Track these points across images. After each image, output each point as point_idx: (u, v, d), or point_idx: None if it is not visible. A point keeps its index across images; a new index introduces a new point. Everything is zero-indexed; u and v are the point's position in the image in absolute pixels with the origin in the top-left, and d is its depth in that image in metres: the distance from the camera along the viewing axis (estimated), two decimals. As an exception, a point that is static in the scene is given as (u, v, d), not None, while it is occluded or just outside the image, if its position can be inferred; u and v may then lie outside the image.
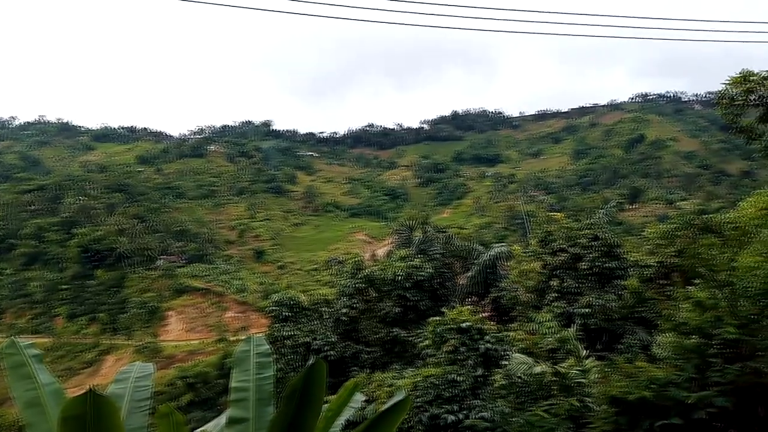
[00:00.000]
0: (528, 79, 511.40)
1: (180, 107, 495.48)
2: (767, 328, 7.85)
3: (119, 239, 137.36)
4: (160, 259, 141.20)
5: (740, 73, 15.53)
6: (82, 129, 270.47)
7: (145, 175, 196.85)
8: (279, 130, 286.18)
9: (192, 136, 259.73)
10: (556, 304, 22.14)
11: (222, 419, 4.08)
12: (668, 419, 7.09)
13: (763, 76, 14.48)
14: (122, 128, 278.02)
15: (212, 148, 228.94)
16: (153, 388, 4.13)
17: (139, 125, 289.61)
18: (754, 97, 14.69)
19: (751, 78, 14.77)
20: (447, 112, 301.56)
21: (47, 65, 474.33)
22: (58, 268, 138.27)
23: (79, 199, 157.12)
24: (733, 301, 8.53)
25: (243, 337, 4.53)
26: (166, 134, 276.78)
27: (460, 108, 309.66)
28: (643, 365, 9.56)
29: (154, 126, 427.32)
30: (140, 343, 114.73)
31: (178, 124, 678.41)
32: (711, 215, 24.20)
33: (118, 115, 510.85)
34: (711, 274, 9.33)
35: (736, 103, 15.51)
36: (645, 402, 7.50)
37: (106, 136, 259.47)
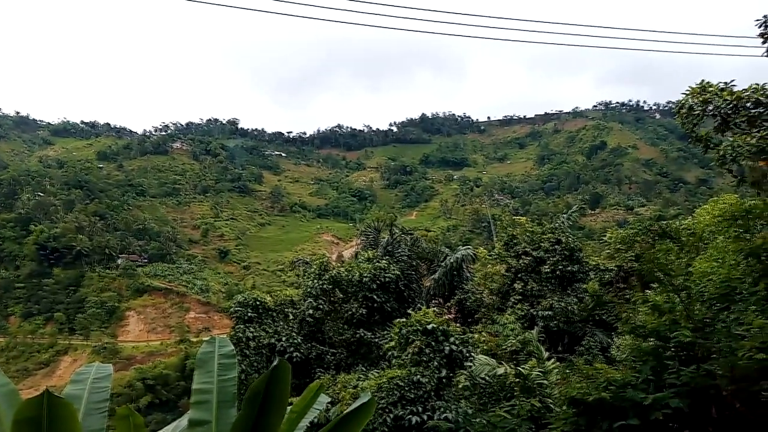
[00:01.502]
0: (495, 85, 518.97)
1: (144, 102, 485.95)
2: (721, 331, 8.12)
3: (78, 237, 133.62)
4: (120, 257, 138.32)
5: (699, 84, 16.06)
6: (41, 123, 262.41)
7: (106, 171, 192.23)
8: (246, 129, 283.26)
9: (155, 133, 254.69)
10: (519, 307, 22.48)
11: (183, 421, 4.01)
12: (626, 420, 7.27)
13: (720, 88, 14.99)
14: (83, 123, 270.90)
15: (176, 145, 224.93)
16: (111, 390, 4.04)
17: (101, 120, 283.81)
18: (711, 107, 15.19)
19: (709, 89, 15.27)
20: (416, 115, 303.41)
21: (3, 55, 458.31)
22: (14, 266, 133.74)
23: (37, 195, 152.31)
24: (688, 305, 8.80)
25: (206, 338, 4.47)
26: (128, 130, 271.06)
27: (429, 111, 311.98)
28: (602, 367, 9.78)
29: (117, 121, 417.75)
30: (98, 343, 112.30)
31: (141, 120, 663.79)
32: (668, 221, 24.95)
33: (79, 109, 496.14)
34: (668, 278, 9.61)
35: (694, 113, 16.01)
36: (603, 403, 7.67)
37: (65, 130, 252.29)
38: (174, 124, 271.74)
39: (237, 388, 3.89)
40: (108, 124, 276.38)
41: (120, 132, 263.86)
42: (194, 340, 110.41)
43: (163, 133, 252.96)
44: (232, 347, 4.17)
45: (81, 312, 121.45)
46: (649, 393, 7.47)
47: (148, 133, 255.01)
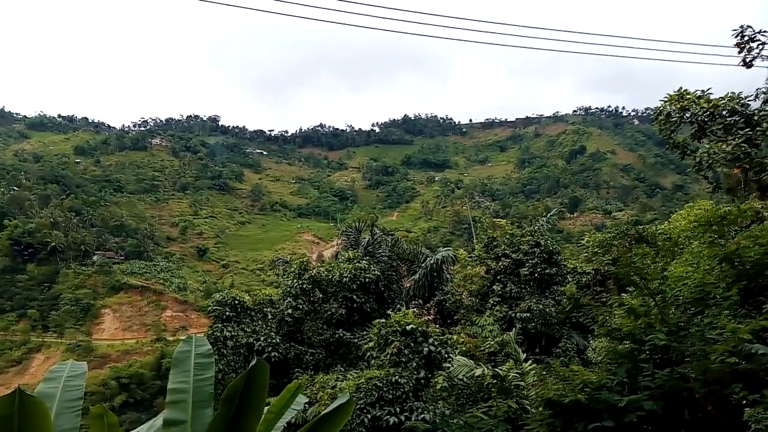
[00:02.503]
0: (478, 88, 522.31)
1: (123, 97, 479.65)
2: (694, 335, 8.25)
3: (53, 233, 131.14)
4: (96, 254, 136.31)
5: (677, 92, 16.32)
6: (17, 116, 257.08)
7: (83, 166, 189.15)
8: (227, 126, 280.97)
9: (134, 128, 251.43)
10: (497, 309, 22.65)
11: (158, 421, 3.96)
12: (601, 422, 7.35)
13: (698, 95, 15.25)
14: (60, 117, 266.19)
15: (156, 141, 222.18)
16: (85, 388, 3.97)
17: (79, 114, 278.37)
18: (688, 114, 15.45)
19: (687, 96, 15.53)
20: (398, 116, 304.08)
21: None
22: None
23: (12, 190, 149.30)
24: (663, 309, 8.93)
25: (182, 337, 4.42)
26: (106, 125, 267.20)
27: (412, 112, 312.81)
28: (578, 369, 9.89)
29: (95, 116, 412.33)
30: (72, 341, 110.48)
31: (120, 115, 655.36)
32: (645, 226, 25.41)
33: (57, 102, 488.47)
34: (644, 282, 9.74)
35: (671, 119, 16.27)
36: (579, 405, 7.75)
37: (42, 124, 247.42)
38: (153, 119, 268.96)
39: (214, 388, 3.85)
40: (86, 119, 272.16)
41: (98, 127, 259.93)
42: (171, 338, 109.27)
43: (143, 128, 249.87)
44: (210, 346, 4.13)
45: (55, 309, 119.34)
46: (623, 395, 7.57)
47: (126, 129, 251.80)
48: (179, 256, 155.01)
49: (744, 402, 6.76)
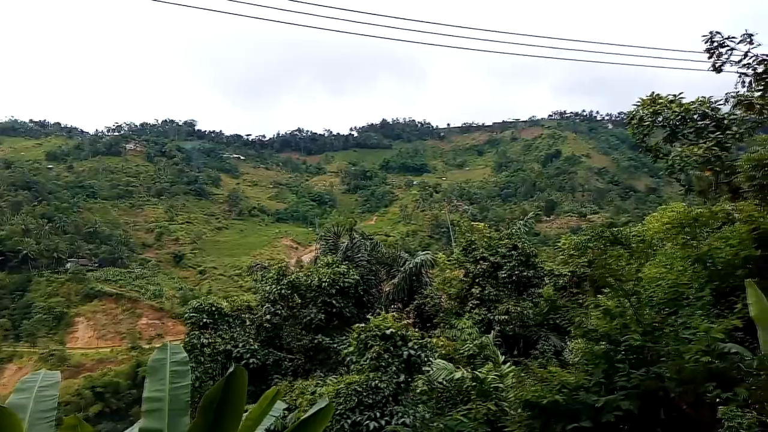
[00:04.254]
0: (455, 92, 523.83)
1: (96, 102, 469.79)
2: (669, 335, 8.39)
3: (25, 240, 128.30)
4: (70, 261, 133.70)
5: (649, 96, 16.63)
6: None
7: (56, 172, 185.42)
8: (203, 131, 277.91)
9: (108, 133, 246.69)
10: (476, 311, 22.77)
11: (134, 430, 3.91)
12: (578, 422, 7.43)
13: (670, 100, 15.56)
14: (32, 122, 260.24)
15: (130, 146, 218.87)
16: (59, 399, 3.90)
17: (51, 119, 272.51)
18: (660, 118, 15.75)
19: (659, 101, 15.84)
20: (376, 120, 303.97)
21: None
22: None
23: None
24: (638, 309, 9.07)
25: (158, 345, 4.35)
26: (79, 130, 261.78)
27: (390, 117, 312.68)
28: (556, 370, 9.99)
29: (67, 121, 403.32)
30: (45, 350, 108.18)
31: (93, 120, 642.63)
32: (619, 228, 25.71)
33: (28, 107, 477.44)
34: (619, 283, 9.89)
35: (644, 123, 16.56)
36: (557, 406, 7.82)
37: (13, 129, 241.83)
38: (128, 124, 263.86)
39: (191, 396, 3.81)
40: (58, 124, 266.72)
41: (71, 132, 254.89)
42: (146, 347, 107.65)
43: (117, 133, 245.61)
44: (186, 354, 4.09)
45: (27, 318, 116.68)
46: (600, 395, 7.66)
47: (100, 134, 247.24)
48: (155, 262, 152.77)
49: (718, 400, 6.90)
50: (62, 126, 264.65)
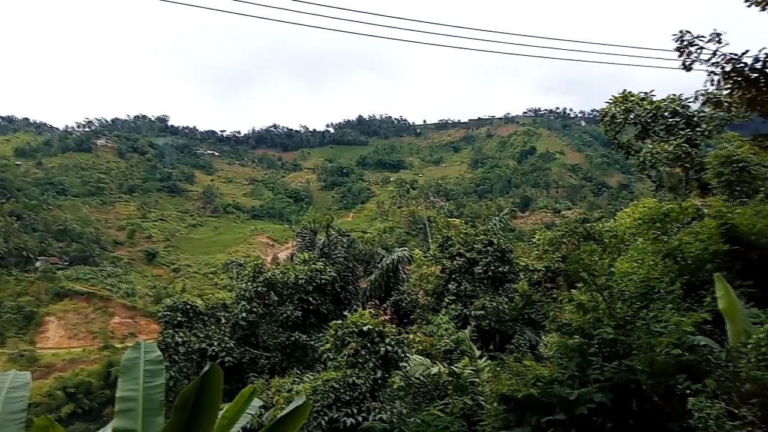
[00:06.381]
0: (432, 89, 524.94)
1: (66, 97, 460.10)
2: (641, 328, 8.56)
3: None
4: (39, 260, 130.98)
5: (621, 94, 16.92)
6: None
7: (24, 168, 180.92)
8: (176, 126, 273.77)
9: (78, 129, 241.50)
10: (452, 307, 22.92)
11: (107, 431, 3.85)
12: (553, 415, 7.53)
13: (641, 97, 15.86)
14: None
15: (101, 142, 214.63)
16: (29, 399, 3.82)
17: (19, 115, 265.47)
18: (632, 115, 16.04)
19: (631, 98, 16.13)
20: (353, 117, 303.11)
21: None
22: None
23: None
24: (610, 303, 9.23)
25: (131, 344, 4.28)
26: (49, 125, 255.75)
27: (366, 113, 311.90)
28: (531, 364, 10.13)
29: (36, 116, 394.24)
30: (15, 350, 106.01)
31: (63, 115, 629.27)
32: (592, 224, 26.20)
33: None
34: (592, 278, 10.04)
35: (616, 120, 16.86)
36: (532, 399, 7.92)
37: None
38: (99, 119, 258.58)
39: (165, 396, 3.76)
40: (27, 119, 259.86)
41: (40, 127, 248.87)
42: (119, 346, 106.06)
43: (87, 129, 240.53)
44: (159, 353, 4.03)
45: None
46: (574, 388, 7.77)
47: (70, 129, 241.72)
48: (127, 260, 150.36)
49: (688, 392, 7.06)
50: (31, 121, 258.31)
